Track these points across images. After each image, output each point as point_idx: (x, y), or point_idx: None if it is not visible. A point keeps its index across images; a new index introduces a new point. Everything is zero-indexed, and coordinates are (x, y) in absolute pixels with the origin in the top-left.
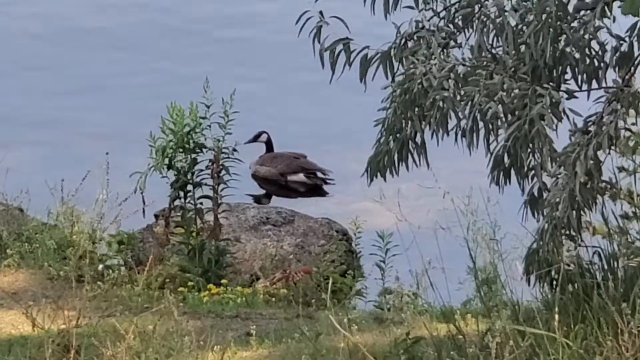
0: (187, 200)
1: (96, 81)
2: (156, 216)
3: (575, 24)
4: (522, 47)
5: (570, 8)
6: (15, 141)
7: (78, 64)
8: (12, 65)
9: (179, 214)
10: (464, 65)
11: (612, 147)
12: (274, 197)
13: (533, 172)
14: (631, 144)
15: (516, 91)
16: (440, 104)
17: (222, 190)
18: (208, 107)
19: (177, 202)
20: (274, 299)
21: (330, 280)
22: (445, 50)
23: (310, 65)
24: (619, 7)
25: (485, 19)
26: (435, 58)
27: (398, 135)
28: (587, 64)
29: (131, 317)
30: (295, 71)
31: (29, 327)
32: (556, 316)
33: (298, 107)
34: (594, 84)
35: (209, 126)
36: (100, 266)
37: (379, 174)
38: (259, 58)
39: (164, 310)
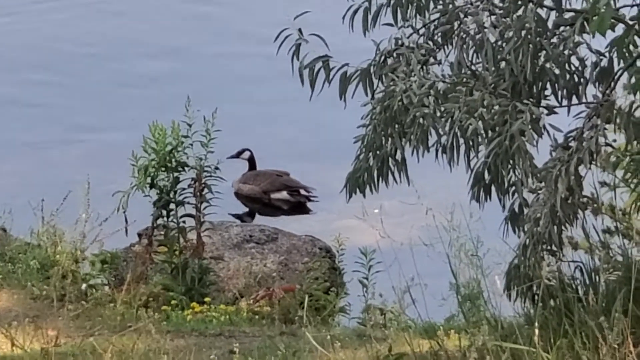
0: (169, 219)
1: None
2: (139, 235)
3: (554, 39)
4: (502, 64)
5: (550, 24)
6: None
7: None
8: None
9: (161, 232)
10: (444, 82)
11: (593, 163)
12: (257, 215)
13: (513, 188)
14: (612, 159)
15: (496, 107)
16: (421, 120)
17: (204, 208)
18: (190, 125)
19: (159, 221)
20: (257, 317)
21: (308, 298)
22: (425, 67)
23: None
24: None
25: (464, 36)
26: (415, 75)
27: (378, 152)
28: (567, 80)
29: (112, 336)
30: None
31: (9, 347)
32: (536, 331)
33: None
34: (574, 100)
35: (191, 145)
36: (83, 285)
37: (357, 191)
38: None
39: (144, 328)
